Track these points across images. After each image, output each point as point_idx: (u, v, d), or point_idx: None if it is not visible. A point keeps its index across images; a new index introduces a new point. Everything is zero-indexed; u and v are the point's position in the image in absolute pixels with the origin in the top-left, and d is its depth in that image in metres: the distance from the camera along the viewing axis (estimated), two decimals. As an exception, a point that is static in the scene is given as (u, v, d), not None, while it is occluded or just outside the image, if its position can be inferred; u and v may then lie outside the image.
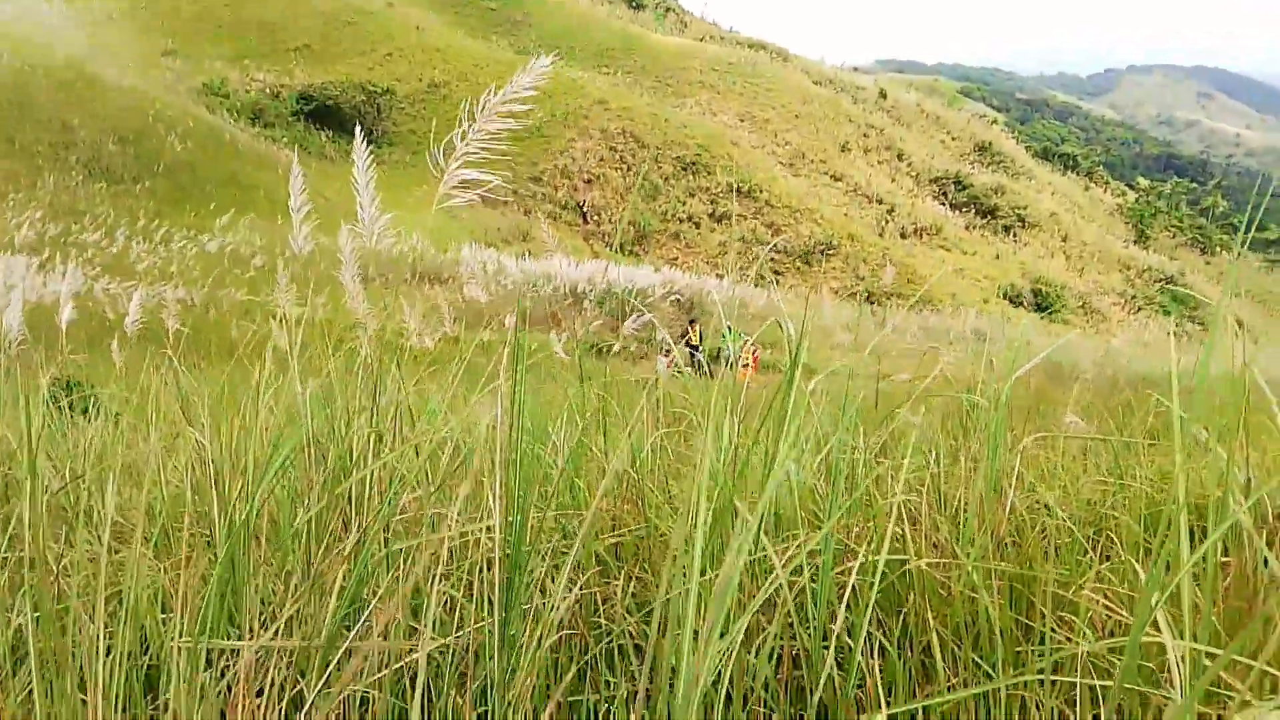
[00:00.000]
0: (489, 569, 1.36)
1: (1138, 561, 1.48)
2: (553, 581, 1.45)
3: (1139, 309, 43.40)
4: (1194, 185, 79.31)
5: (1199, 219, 66.68)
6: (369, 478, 1.61)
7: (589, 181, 41.18)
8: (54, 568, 1.42)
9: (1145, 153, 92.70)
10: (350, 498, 1.61)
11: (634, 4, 66.62)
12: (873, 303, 32.02)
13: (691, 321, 15.60)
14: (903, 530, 1.55)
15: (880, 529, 1.56)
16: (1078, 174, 66.18)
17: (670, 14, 68.27)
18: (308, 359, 2.15)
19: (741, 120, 50.36)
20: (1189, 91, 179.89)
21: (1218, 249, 60.03)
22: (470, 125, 1.65)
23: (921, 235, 44.30)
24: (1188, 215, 67.10)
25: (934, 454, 1.93)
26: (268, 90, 42.53)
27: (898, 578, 1.54)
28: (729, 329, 18.83)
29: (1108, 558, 1.74)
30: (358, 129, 2.03)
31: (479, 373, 2.03)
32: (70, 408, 4.10)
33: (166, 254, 15.84)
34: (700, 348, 15.38)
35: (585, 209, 40.15)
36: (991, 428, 1.66)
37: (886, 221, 44.18)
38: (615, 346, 10.73)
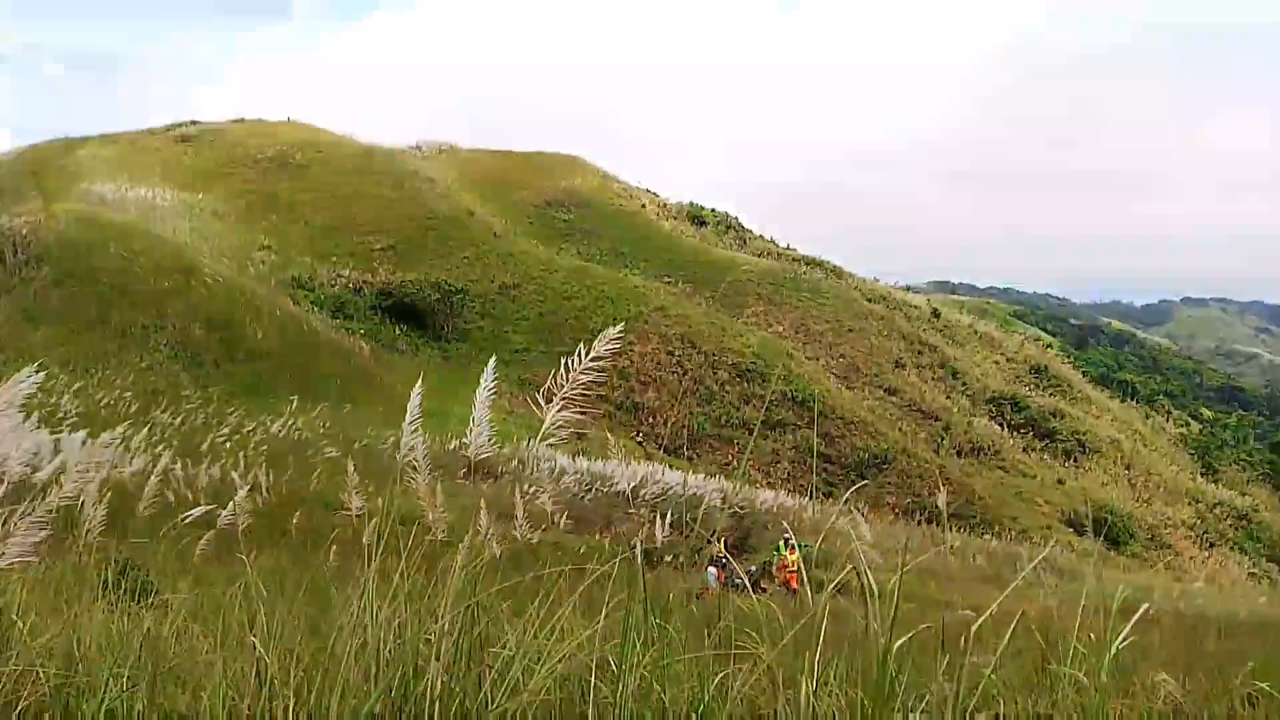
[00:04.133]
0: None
1: None
2: None
3: (1211, 545, 41.32)
4: (1260, 419, 77.62)
5: (1269, 454, 64.65)
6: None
7: (645, 384, 42.11)
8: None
9: (1206, 384, 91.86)
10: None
11: (697, 220, 70.69)
12: (931, 522, 31.12)
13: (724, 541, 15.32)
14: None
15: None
16: (1137, 402, 65.50)
17: (730, 230, 72.13)
18: (383, 558, 2.18)
19: (796, 331, 51.74)
20: (1245, 325, 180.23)
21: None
22: (566, 375, 1.76)
23: (979, 454, 43.67)
24: (1256, 449, 65.19)
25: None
26: (351, 285, 45.31)
27: None
28: (785, 541, 18.34)
29: None
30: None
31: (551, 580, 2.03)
32: (129, 593, 4.14)
33: (240, 439, 16.39)
34: (726, 559, 14.95)
35: (641, 410, 40.79)
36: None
37: (943, 439, 43.81)
38: (667, 556, 10.51)
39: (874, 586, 1.95)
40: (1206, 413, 72.56)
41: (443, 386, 16.03)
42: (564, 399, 1.75)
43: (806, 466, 36.98)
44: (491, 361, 2.02)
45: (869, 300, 60.23)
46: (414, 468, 2.32)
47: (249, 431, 17.59)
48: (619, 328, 1.79)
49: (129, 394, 21.44)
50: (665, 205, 74.84)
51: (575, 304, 47.39)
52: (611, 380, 41.94)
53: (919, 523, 27.69)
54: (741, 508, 16.45)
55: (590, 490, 14.55)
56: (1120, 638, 1.70)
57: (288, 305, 37.47)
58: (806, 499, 27.56)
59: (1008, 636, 2.06)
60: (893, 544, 21.03)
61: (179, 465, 11.54)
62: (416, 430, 2.26)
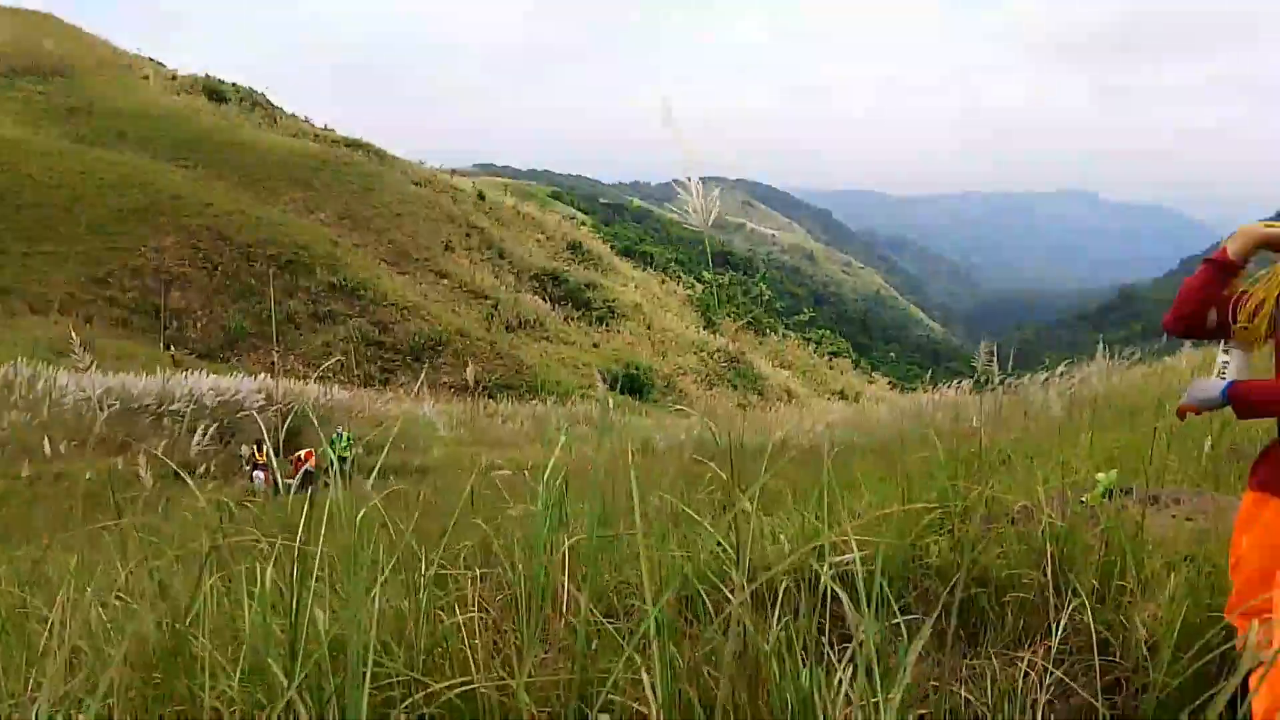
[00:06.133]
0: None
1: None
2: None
3: (711, 385, 49.85)
4: (745, 278, 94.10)
5: (752, 306, 79.03)
6: None
7: (167, 283, 37.35)
8: None
9: (707, 251, 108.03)
10: None
11: (215, 95, 62.70)
12: (491, 396, 32.91)
13: (257, 443, 14.88)
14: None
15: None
16: (655, 269, 75.01)
17: (258, 108, 65.33)
18: None
19: (341, 218, 49.52)
20: (735, 200, 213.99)
21: (768, 331, 71.52)
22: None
23: (526, 328, 46.84)
24: (743, 303, 79.22)
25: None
26: None
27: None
28: (339, 435, 18.16)
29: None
30: None
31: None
32: None
33: None
34: (265, 465, 14.62)
35: (163, 313, 36.24)
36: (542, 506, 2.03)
37: (493, 316, 46.05)
38: (200, 469, 9.90)
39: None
40: (707, 275, 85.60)
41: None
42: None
43: (361, 356, 36.44)
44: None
45: (415, 184, 59.59)
46: None
47: None
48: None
49: None
50: (175, 77, 65.01)
51: (63, 194, 39.73)
52: (122, 281, 36.50)
53: (475, 397, 29.17)
54: (288, 406, 15.88)
55: (104, 410, 12.87)
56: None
57: None
58: (360, 388, 27.36)
59: (542, 483, 2.33)
60: (449, 419, 22.00)
61: None
62: None
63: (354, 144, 62.22)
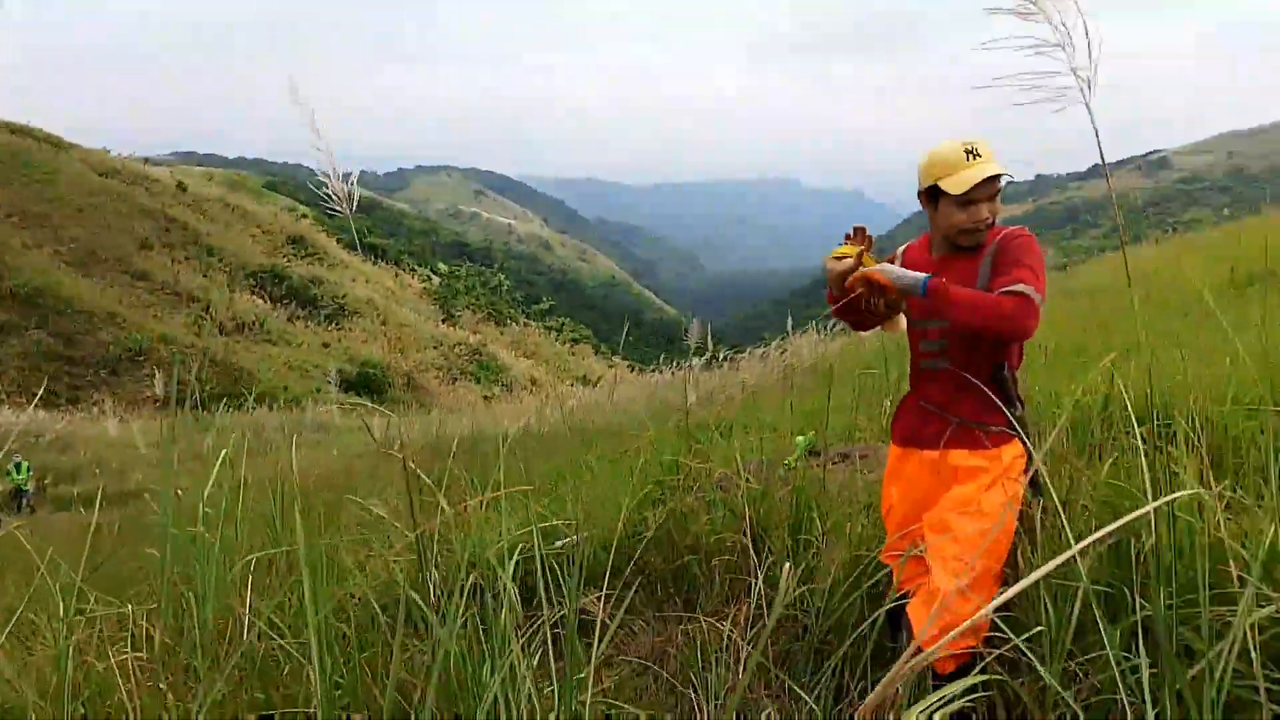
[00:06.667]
0: None
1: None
2: None
3: (454, 379, 48.97)
4: (483, 268, 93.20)
5: (491, 297, 78.45)
6: None
7: None
8: None
9: (441, 242, 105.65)
10: None
11: None
12: (203, 408, 29.88)
13: None
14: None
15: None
16: (387, 263, 72.09)
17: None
18: None
19: (8, 215, 42.61)
20: (468, 189, 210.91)
21: (509, 321, 71.38)
22: None
23: (245, 331, 43.15)
24: (482, 294, 78.40)
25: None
26: None
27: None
28: (16, 465, 15.72)
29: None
30: None
31: None
32: None
33: None
34: None
35: None
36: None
37: (204, 320, 41.91)
38: None
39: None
40: (443, 267, 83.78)
41: None
42: None
43: (42, 373, 31.68)
44: None
45: (101, 175, 52.60)
46: None
47: None
48: None
49: None
50: None
51: None
52: None
53: (185, 411, 26.37)
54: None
55: None
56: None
57: None
58: (43, 409, 23.78)
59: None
60: (151, 439, 19.76)
61: None
62: None
63: (18, 129, 53.69)
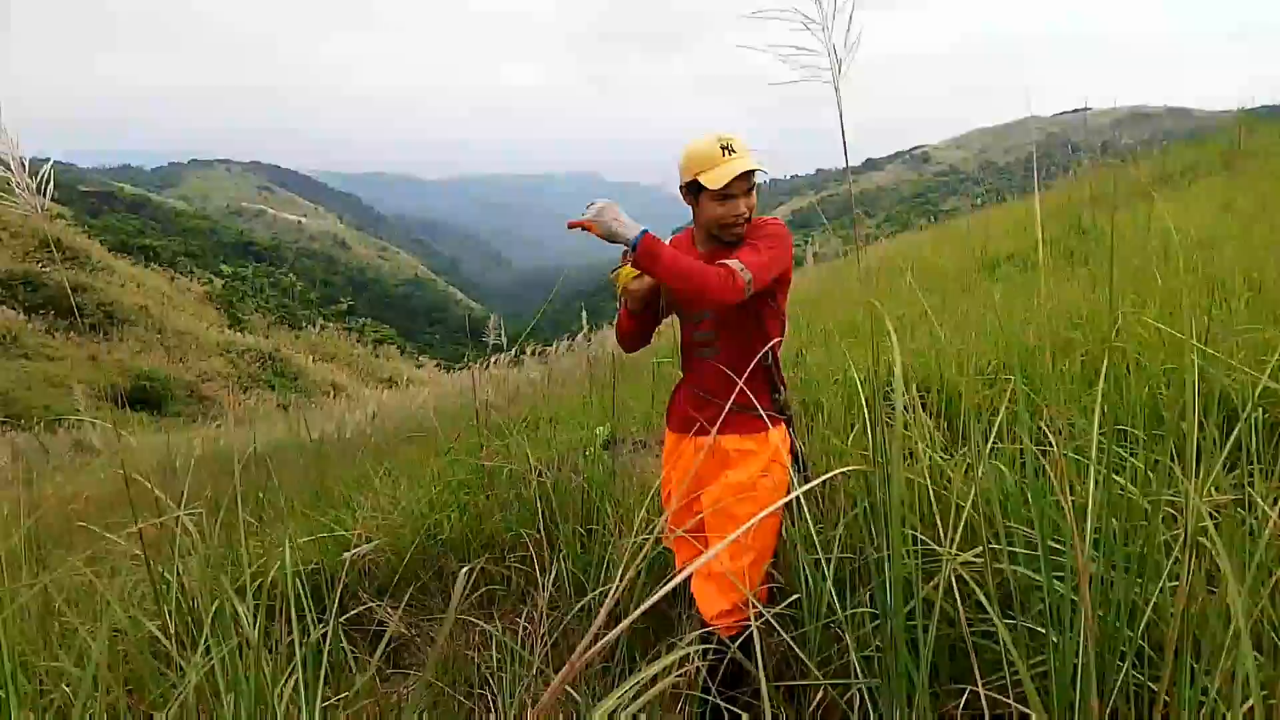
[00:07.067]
0: None
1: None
2: None
3: (246, 388, 45.78)
4: (272, 268, 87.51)
5: (283, 299, 73.88)
6: None
7: None
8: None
9: (224, 241, 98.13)
10: None
11: None
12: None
13: None
14: None
15: None
16: (161, 265, 66.13)
17: None
18: None
19: None
20: (251, 184, 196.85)
21: (305, 323, 67.53)
22: None
23: (-9, 347, 38.23)
24: (273, 296, 73.66)
25: None
26: None
27: None
28: None
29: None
30: None
31: None
32: None
33: None
34: None
35: None
36: None
37: (-63, 337, 36.70)
38: None
39: None
40: (226, 268, 78.03)
41: None
42: None
43: None
44: None
45: None
46: None
47: None
48: None
49: None
50: None
51: None
52: None
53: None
54: None
55: None
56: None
57: None
58: None
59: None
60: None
61: None
62: None
63: None
